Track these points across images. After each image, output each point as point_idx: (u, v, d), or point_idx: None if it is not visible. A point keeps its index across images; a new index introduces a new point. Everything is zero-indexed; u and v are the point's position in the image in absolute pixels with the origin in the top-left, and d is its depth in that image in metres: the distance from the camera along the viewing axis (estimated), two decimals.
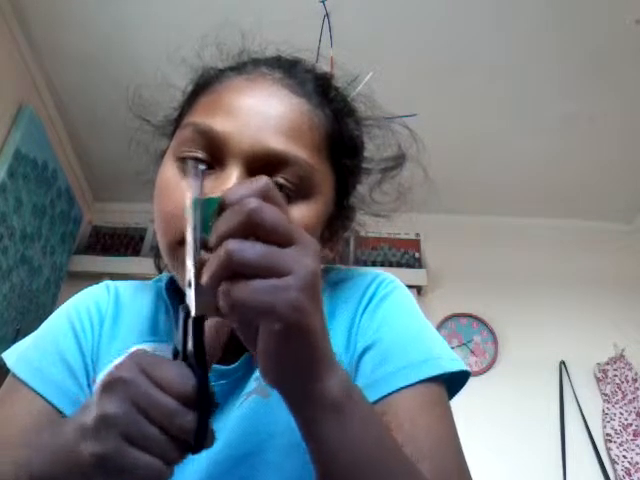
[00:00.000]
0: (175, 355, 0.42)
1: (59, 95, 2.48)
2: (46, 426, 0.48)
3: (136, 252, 2.86)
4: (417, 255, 2.82)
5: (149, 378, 0.39)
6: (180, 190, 0.59)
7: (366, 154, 0.72)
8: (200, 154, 0.59)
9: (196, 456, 0.59)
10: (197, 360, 0.40)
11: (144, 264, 2.64)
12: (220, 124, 0.59)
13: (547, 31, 2.09)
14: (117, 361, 0.42)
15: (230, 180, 0.56)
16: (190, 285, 0.42)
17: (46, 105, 2.47)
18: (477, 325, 2.68)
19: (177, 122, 0.69)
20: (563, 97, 2.32)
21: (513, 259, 2.76)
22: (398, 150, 0.73)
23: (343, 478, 0.45)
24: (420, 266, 2.78)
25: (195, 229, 0.43)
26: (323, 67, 0.73)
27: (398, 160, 0.74)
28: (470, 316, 2.70)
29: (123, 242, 2.90)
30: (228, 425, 0.60)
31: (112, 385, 0.39)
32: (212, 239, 0.41)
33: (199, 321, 0.41)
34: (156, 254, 0.79)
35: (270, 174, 0.57)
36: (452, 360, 0.61)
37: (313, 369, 0.42)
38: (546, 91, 2.31)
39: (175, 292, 0.71)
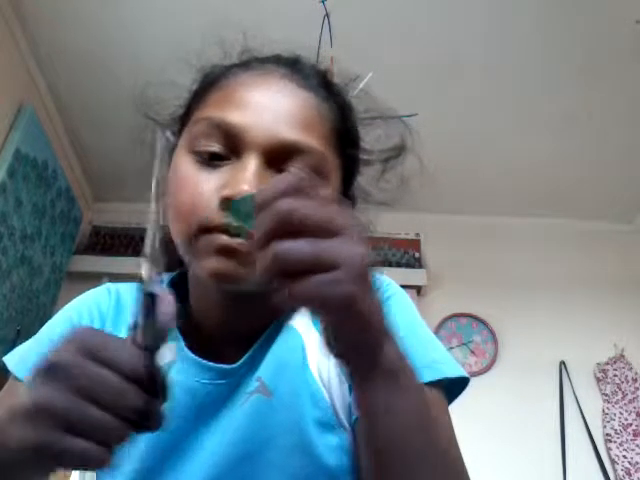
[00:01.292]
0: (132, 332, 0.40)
1: (59, 95, 2.48)
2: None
3: (136, 252, 2.84)
4: (417, 255, 2.82)
5: (94, 358, 0.38)
6: (196, 181, 0.60)
7: (366, 146, 0.74)
8: (216, 147, 0.61)
9: (198, 454, 0.59)
10: (146, 338, 0.39)
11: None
12: (235, 117, 0.60)
13: (547, 31, 2.09)
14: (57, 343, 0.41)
15: (248, 170, 0.57)
16: (146, 260, 0.40)
17: (46, 105, 2.47)
18: (477, 325, 2.68)
19: (183, 119, 0.70)
20: (563, 97, 2.32)
21: (513, 259, 2.76)
22: (399, 141, 0.75)
23: (393, 443, 0.46)
24: (420, 266, 2.78)
25: (157, 199, 0.42)
26: (323, 65, 0.74)
27: (398, 150, 0.76)
28: (470, 316, 2.70)
29: (123, 242, 2.90)
30: (231, 424, 0.60)
31: (48, 371, 0.38)
32: (257, 237, 0.41)
33: (151, 298, 0.40)
34: None
35: (284, 163, 0.59)
36: (452, 366, 0.62)
37: (370, 343, 0.44)
38: (546, 91, 2.31)
39: (178, 291, 0.71)
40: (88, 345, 0.38)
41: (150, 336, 0.39)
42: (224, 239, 0.56)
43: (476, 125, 2.46)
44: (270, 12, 2.02)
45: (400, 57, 2.19)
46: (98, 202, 3.03)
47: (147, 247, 0.41)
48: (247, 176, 0.57)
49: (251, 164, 0.58)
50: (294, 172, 0.42)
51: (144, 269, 0.40)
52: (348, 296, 0.40)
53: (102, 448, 0.37)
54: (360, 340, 0.43)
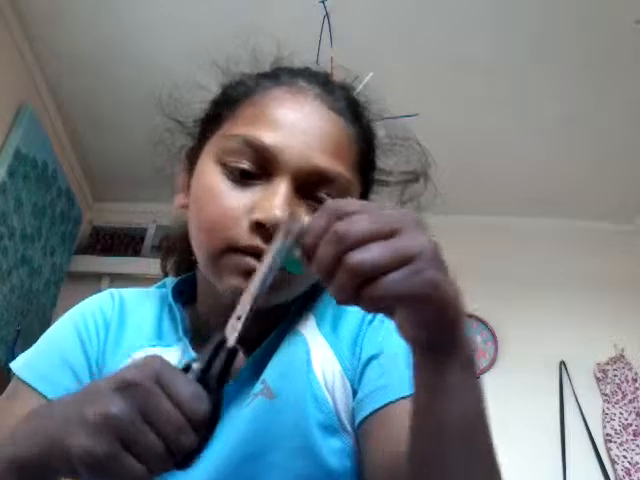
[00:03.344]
0: (185, 369, 0.42)
1: (59, 95, 2.48)
2: (36, 410, 0.48)
3: (136, 252, 2.85)
4: None
5: (164, 389, 0.39)
6: (226, 197, 0.61)
7: (384, 167, 0.75)
8: (247, 165, 0.61)
9: (203, 456, 0.60)
10: (218, 387, 0.41)
11: (144, 264, 2.64)
12: (268, 138, 0.61)
13: (547, 31, 2.09)
14: (136, 358, 0.42)
15: (279, 194, 0.59)
16: (240, 319, 0.43)
17: (46, 105, 2.47)
18: (477, 325, 2.68)
19: (206, 124, 0.71)
20: (563, 97, 2.32)
21: (513, 259, 2.76)
22: (419, 166, 0.77)
23: (462, 428, 0.45)
24: None
25: (269, 269, 0.44)
26: (327, 70, 0.74)
27: (418, 175, 0.77)
28: (470, 316, 2.70)
29: (123, 242, 2.90)
30: (235, 425, 0.60)
31: (125, 387, 0.39)
32: (325, 262, 0.41)
33: (234, 352, 0.43)
34: (163, 256, 0.81)
35: (313, 189, 0.61)
36: None
37: (452, 323, 0.43)
38: (546, 91, 2.31)
39: (181, 296, 0.72)
40: (162, 376, 0.40)
41: (219, 385, 0.42)
42: (252, 262, 0.58)
43: (477, 125, 2.46)
44: (269, 12, 2.02)
45: (400, 57, 2.19)
46: (98, 202, 3.03)
47: (240, 311, 0.44)
48: (278, 201, 0.58)
49: (282, 188, 0.59)
50: (327, 202, 0.44)
51: (234, 328, 0.43)
52: (432, 282, 0.40)
53: (148, 474, 0.38)
54: (443, 321, 0.42)
